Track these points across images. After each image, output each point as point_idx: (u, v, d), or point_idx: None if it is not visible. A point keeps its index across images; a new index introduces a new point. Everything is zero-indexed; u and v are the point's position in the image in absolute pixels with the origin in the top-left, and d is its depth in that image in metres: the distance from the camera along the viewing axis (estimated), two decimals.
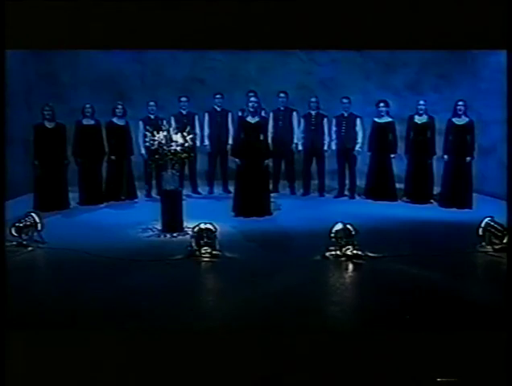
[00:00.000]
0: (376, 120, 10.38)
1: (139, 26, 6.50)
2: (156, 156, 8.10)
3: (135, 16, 6.48)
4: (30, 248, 7.30)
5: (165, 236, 7.90)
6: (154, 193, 10.62)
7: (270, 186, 9.83)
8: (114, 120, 10.33)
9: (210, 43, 6.84)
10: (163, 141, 7.96)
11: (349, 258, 6.76)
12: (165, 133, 8.01)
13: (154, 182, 10.65)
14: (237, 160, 9.16)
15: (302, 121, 10.75)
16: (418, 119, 10.13)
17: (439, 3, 6.55)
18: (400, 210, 9.71)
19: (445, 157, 9.86)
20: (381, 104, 10.30)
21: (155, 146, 8.01)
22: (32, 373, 4.55)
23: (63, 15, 6.40)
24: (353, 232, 6.84)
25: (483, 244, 7.21)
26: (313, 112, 10.69)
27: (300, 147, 10.82)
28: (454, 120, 9.73)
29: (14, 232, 7.34)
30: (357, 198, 10.68)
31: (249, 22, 6.50)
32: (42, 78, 11.63)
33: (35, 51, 10.42)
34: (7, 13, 6.04)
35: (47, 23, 6.35)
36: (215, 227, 7.02)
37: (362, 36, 6.67)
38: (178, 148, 7.97)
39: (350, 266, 6.66)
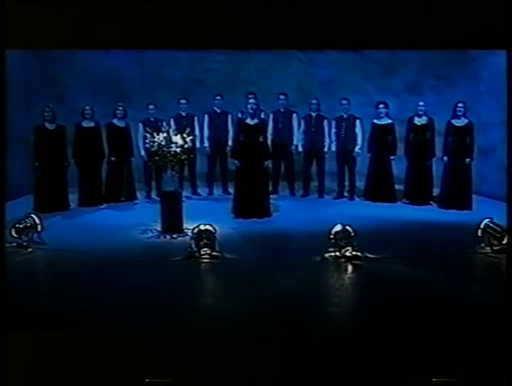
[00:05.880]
0: (375, 121, 10.39)
1: (139, 26, 6.51)
2: (156, 157, 8.10)
3: (135, 16, 6.49)
4: (30, 250, 7.30)
5: (165, 237, 7.90)
6: (153, 194, 10.63)
7: (270, 188, 9.84)
8: (115, 121, 10.34)
9: (210, 43, 6.86)
10: (163, 143, 7.96)
11: (348, 259, 6.77)
12: (165, 135, 8.02)
13: (153, 183, 10.66)
14: (236, 162, 9.17)
15: (302, 122, 10.76)
16: (417, 120, 10.14)
17: (438, 3, 6.56)
18: (399, 211, 9.72)
19: (444, 158, 9.87)
20: (381, 106, 10.31)
21: (155, 148, 8.01)
22: (32, 373, 4.56)
23: (63, 15, 6.42)
24: (353, 234, 6.84)
25: (482, 245, 7.23)
26: (313, 114, 10.71)
27: (300, 148, 10.83)
28: (453, 121, 9.74)
29: (14, 233, 7.34)
30: (357, 199, 10.68)
31: (249, 22, 6.52)
32: (42, 78, 11.64)
33: (35, 51, 10.42)
34: (7, 13, 6.05)
35: (47, 23, 6.36)
36: (214, 229, 7.02)
37: (362, 36, 6.69)
38: (178, 149, 7.98)
39: (349, 267, 6.66)
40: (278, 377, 4.58)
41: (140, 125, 10.49)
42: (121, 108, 10.38)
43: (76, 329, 5.00)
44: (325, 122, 10.66)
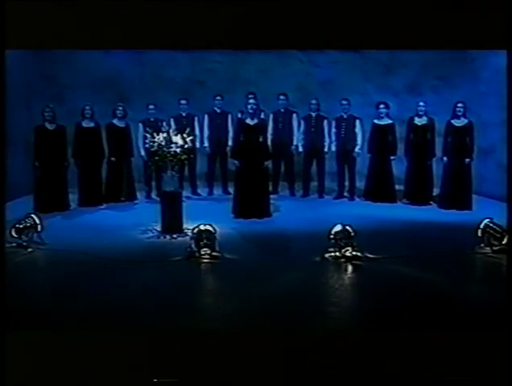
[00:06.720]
0: (376, 122, 10.38)
1: (139, 26, 6.51)
2: (156, 157, 8.10)
3: (135, 16, 6.49)
4: (30, 250, 7.30)
5: (165, 237, 7.90)
6: (153, 194, 10.63)
7: (270, 188, 9.84)
8: (115, 121, 10.34)
9: (210, 43, 6.86)
10: (163, 143, 7.97)
11: (348, 259, 6.77)
12: (165, 135, 8.02)
13: (153, 183, 10.66)
14: (236, 162, 9.17)
15: (302, 122, 10.77)
16: (418, 120, 10.13)
17: (438, 3, 6.56)
18: (399, 211, 9.72)
19: (444, 158, 9.87)
20: (381, 106, 10.30)
21: (155, 148, 8.02)
22: (32, 373, 4.56)
23: (63, 15, 6.42)
24: (353, 234, 6.84)
25: (482, 245, 7.22)
26: (313, 114, 10.71)
27: (300, 149, 10.83)
28: (453, 121, 9.74)
29: (14, 234, 7.35)
30: (357, 199, 10.67)
31: (249, 22, 6.52)
32: (42, 78, 11.64)
33: (35, 51, 10.42)
34: (7, 13, 6.05)
35: (47, 23, 6.36)
36: (214, 229, 7.02)
37: (362, 36, 6.69)
38: (178, 149, 7.98)
39: (349, 267, 6.67)
40: (278, 377, 4.58)
41: (140, 125, 10.49)
42: (121, 108, 10.38)
43: (76, 329, 5.00)
44: (325, 122, 10.67)
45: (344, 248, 6.82)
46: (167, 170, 8.11)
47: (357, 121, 10.55)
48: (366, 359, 4.62)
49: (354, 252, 6.81)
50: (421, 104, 10.16)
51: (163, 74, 12.18)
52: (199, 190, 11.13)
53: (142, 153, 10.38)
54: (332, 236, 6.87)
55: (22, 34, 6.37)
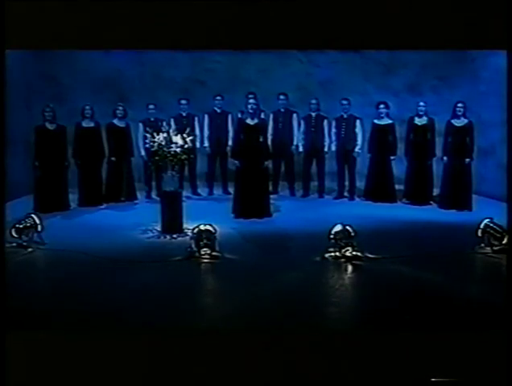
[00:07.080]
0: (376, 122, 10.39)
1: (139, 26, 6.50)
2: (156, 157, 8.11)
3: (135, 16, 6.48)
4: (30, 249, 7.30)
5: (165, 237, 7.90)
6: (154, 194, 10.63)
7: (270, 188, 9.84)
8: (115, 121, 10.34)
9: (210, 43, 6.86)
10: (163, 143, 7.97)
11: (349, 259, 6.77)
12: (165, 135, 8.03)
13: (154, 183, 10.66)
14: (236, 162, 9.17)
15: (302, 122, 10.77)
16: (418, 120, 10.14)
17: (439, 3, 6.56)
18: (399, 211, 9.72)
19: (444, 158, 9.87)
20: (382, 106, 10.30)
21: (155, 148, 8.02)
22: (32, 373, 4.56)
23: (63, 15, 6.41)
24: (353, 234, 6.84)
25: (482, 245, 7.22)
26: (313, 114, 10.72)
27: (301, 149, 10.83)
28: (453, 121, 9.74)
29: (14, 234, 7.35)
30: (357, 199, 10.68)
31: (249, 22, 6.52)
32: (42, 78, 11.64)
33: (35, 51, 10.42)
34: (7, 13, 6.04)
35: (47, 23, 6.36)
36: (214, 229, 7.02)
37: (362, 36, 6.68)
38: (178, 149, 7.98)
39: (349, 267, 6.67)
40: (278, 377, 4.58)
41: (140, 124, 10.50)
42: (121, 108, 10.38)
43: (76, 329, 5.00)
44: (325, 122, 10.67)
45: (344, 248, 6.82)
46: (167, 170, 8.12)
47: (357, 121, 10.55)
48: (366, 359, 4.62)
49: (354, 252, 6.81)
50: (421, 104, 10.16)
51: (163, 74, 12.18)
52: (199, 190, 11.13)
53: (142, 153, 10.38)
54: (332, 236, 6.87)
55: (22, 34, 6.36)
